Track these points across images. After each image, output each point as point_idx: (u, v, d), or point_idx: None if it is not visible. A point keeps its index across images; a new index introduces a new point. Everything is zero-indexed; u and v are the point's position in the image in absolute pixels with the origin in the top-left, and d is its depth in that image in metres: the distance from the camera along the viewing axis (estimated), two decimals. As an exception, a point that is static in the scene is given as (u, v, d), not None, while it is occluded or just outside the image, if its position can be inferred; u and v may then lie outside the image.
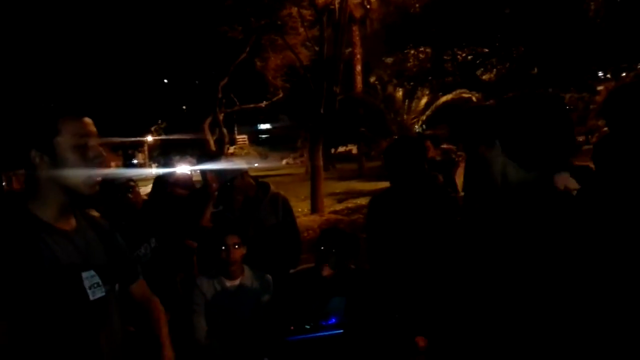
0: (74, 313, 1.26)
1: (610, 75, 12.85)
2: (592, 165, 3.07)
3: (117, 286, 1.45)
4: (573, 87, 13.82)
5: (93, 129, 1.34)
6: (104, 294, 1.34)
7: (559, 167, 1.35)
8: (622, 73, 11.62)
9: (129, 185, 3.15)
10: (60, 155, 1.27)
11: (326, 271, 2.47)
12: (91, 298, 1.30)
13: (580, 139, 23.00)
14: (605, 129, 2.52)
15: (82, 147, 1.30)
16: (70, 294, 1.26)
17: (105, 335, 1.34)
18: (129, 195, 3.13)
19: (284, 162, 41.55)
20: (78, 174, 1.29)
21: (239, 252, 2.70)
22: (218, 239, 2.71)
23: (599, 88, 12.95)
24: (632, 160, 1.86)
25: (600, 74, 13.45)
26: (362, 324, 2.33)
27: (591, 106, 18.66)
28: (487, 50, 13.67)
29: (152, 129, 27.22)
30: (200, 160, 4.12)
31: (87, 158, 1.30)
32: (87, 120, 1.34)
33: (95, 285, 1.32)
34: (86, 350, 1.29)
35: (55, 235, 1.28)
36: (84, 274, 1.30)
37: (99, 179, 1.34)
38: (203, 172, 4.04)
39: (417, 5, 13.73)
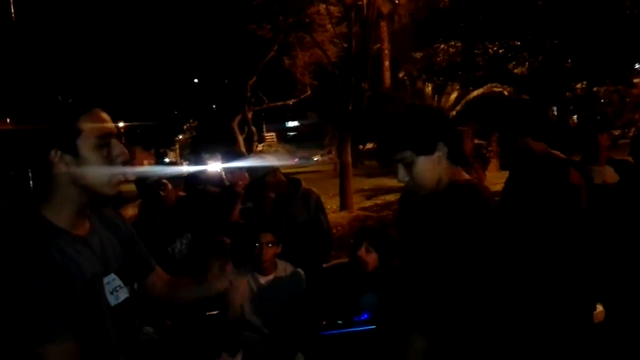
0: (97, 322, 1.19)
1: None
2: (631, 160, 3.01)
3: (135, 285, 1.39)
4: (608, 80, 13.40)
5: (112, 125, 1.27)
6: (127, 295, 1.29)
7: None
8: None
9: (161, 183, 3.23)
10: (83, 155, 1.19)
11: (363, 257, 2.47)
12: (112, 304, 1.24)
13: (616, 132, 22.29)
14: None
15: (106, 146, 1.23)
16: (94, 302, 1.19)
17: (123, 342, 1.27)
18: (161, 192, 3.21)
19: (315, 158, 41.60)
20: (101, 174, 1.22)
21: (272, 250, 2.74)
22: (252, 235, 2.76)
23: (635, 81, 12.53)
24: None
25: (637, 66, 13.00)
26: (393, 320, 2.35)
27: (627, 99, 18.06)
28: (519, 43, 13.35)
29: (184, 127, 27.69)
30: (225, 159, 4.18)
31: (110, 157, 1.23)
32: (107, 116, 1.26)
33: (118, 288, 1.26)
34: (108, 355, 1.22)
35: (74, 243, 1.20)
36: (106, 279, 1.24)
37: (122, 178, 1.27)
38: (228, 170, 4.11)
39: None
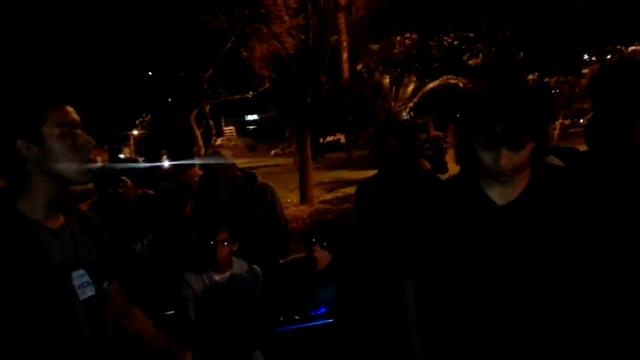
0: (64, 314, 1.22)
1: (595, 58, 12.91)
2: (578, 147, 3.09)
3: (106, 284, 1.40)
4: (559, 71, 13.87)
5: (77, 117, 1.31)
6: (93, 293, 1.30)
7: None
8: (606, 55, 11.68)
9: (120, 179, 3.10)
10: (48, 145, 1.22)
11: (318, 254, 2.42)
12: (81, 298, 1.26)
13: (567, 122, 23.18)
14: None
15: (71, 135, 1.26)
16: (60, 294, 1.22)
17: (96, 335, 1.31)
18: (120, 190, 3.08)
19: (272, 152, 41.40)
20: (68, 162, 1.25)
21: (227, 248, 2.67)
22: (207, 233, 2.67)
23: (584, 71, 13.01)
24: (615, 138, 1.86)
25: (586, 57, 13.50)
26: (352, 312, 2.32)
27: (576, 89, 18.76)
28: (472, 35, 13.62)
29: (137, 122, 26.96)
30: (174, 156, 4.09)
31: (76, 145, 1.27)
32: (70, 108, 1.30)
33: (85, 284, 1.29)
34: (76, 350, 1.25)
35: (46, 234, 1.23)
36: (74, 274, 1.27)
37: (91, 166, 1.30)
38: (181, 166, 4.01)
39: (402, -10, 13.65)
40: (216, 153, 3.29)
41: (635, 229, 1.72)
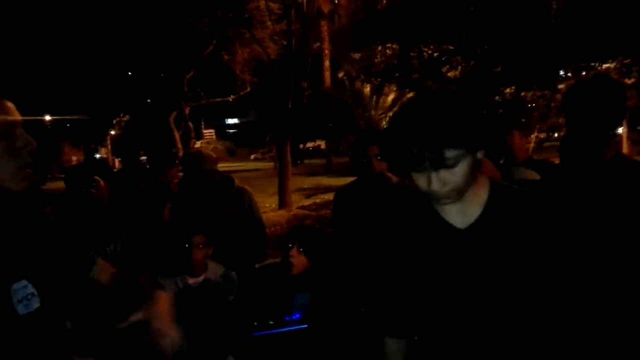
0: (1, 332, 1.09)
1: (571, 74, 13.24)
2: (551, 160, 3.16)
3: (46, 292, 1.25)
4: (535, 85, 14.18)
5: (17, 114, 1.16)
6: (39, 304, 1.17)
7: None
8: (582, 72, 11.99)
9: (93, 179, 3.04)
10: None
11: (294, 259, 2.42)
12: (22, 312, 1.12)
13: (542, 135, 23.68)
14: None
15: (7, 136, 1.12)
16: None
17: (42, 348, 1.18)
18: (93, 190, 3.02)
19: (252, 157, 41.24)
20: (6, 166, 1.11)
21: (202, 252, 2.64)
22: (182, 236, 2.65)
23: (560, 86, 13.33)
24: (588, 153, 1.91)
25: (562, 72, 13.83)
26: (327, 319, 2.32)
27: (552, 104, 19.19)
28: (452, 47, 13.84)
29: (114, 122, 26.56)
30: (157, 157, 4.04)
31: (14, 148, 1.13)
32: (10, 104, 1.15)
33: (30, 297, 1.14)
34: None
35: None
36: (14, 286, 1.12)
37: (30, 170, 1.16)
38: (162, 167, 3.97)
39: (384, 1, 13.80)
40: (199, 154, 3.26)
41: (603, 247, 1.76)
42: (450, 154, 1.14)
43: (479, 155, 1.21)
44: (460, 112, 1.15)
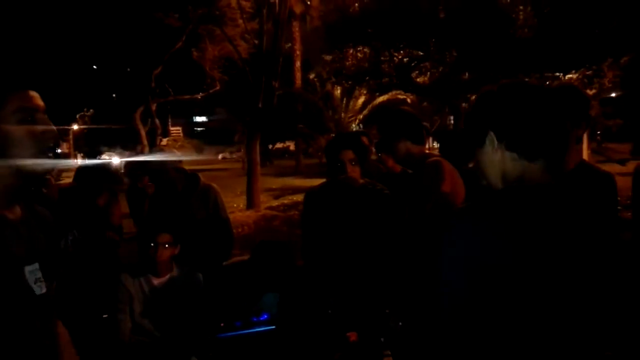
0: (19, 308, 1.16)
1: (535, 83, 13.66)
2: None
3: (55, 283, 1.32)
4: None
5: (41, 102, 1.24)
6: (45, 290, 1.23)
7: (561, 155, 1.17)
8: (546, 82, 12.37)
9: (44, 178, 2.95)
10: (5, 129, 1.15)
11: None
12: (37, 293, 1.19)
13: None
14: None
15: (30, 121, 1.19)
16: (15, 287, 1.15)
17: (49, 332, 1.25)
18: (44, 190, 2.94)
19: (220, 156, 40.81)
20: (25, 150, 1.18)
21: (168, 251, 2.59)
22: (148, 235, 2.59)
23: (524, 95, 13.70)
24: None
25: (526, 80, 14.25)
26: (295, 319, 2.31)
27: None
28: (422, 53, 14.06)
29: (78, 116, 25.85)
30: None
31: (35, 132, 1.19)
32: (34, 93, 1.23)
33: (39, 280, 1.21)
34: (31, 346, 1.19)
35: (3, 224, 1.17)
36: (28, 268, 1.19)
37: (51, 154, 1.22)
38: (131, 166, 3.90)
39: (356, 5, 13.90)
40: (162, 151, 3.20)
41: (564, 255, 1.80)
42: None
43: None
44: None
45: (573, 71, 11.89)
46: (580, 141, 2.10)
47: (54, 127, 1.25)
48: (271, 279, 2.42)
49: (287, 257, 2.55)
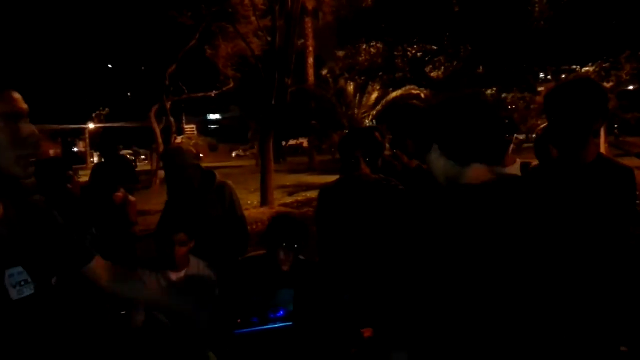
0: None
1: (551, 76, 13.44)
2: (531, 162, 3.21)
3: (54, 280, 1.31)
4: (515, 87, 14.39)
5: (25, 105, 1.22)
6: (32, 291, 1.20)
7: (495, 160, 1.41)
8: (562, 75, 12.20)
9: (68, 175, 3.00)
10: None
11: (283, 256, 2.42)
12: (14, 297, 1.16)
13: (521, 137, 24.04)
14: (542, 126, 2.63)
15: (12, 125, 1.18)
16: None
17: (34, 337, 1.22)
18: (69, 185, 2.98)
19: (233, 154, 41.00)
20: (8, 153, 1.17)
21: (184, 249, 2.61)
22: (164, 234, 2.60)
23: (540, 89, 13.56)
24: (569, 155, 1.93)
25: (542, 75, 14.05)
26: (311, 316, 2.32)
27: (532, 106, 19.50)
28: (436, 48, 13.96)
29: (94, 115, 26.16)
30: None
31: (19, 137, 1.18)
32: (17, 95, 1.21)
33: (23, 283, 1.19)
34: (10, 354, 1.17)
35: None
36: (9, 271, 1.17)
37: (34, 159, 1.22)
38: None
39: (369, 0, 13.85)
40: (179, 149, 3.22)
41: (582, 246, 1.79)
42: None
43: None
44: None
45: (590, 64, 11.71)
46: (598, 135, 2.07)
47: (37, 132, 1.23)
48: (288, 238, 2.43)
49: (303, 226, 2.56)
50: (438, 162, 1.41)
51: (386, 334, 1.55)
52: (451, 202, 1.36)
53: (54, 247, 1.34)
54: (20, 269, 1.19)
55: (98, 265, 1.50)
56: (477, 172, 1.36)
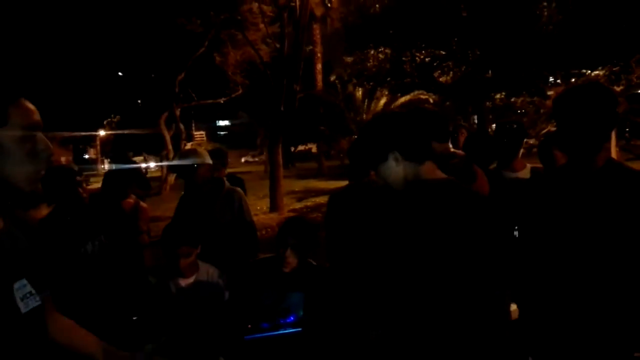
0: (5, 329, 1.11)
1: (560, 80, 13.36)
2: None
3: (47, 292, 1.29)
4: (525, 91, 14.30)
5: (39, 117, 1.19)
6: (39, 302, 1.19)
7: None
8: (571, 79, 12.11)
9: (78, 180, 3.03)
10: (5, 146, 1.11)
11: (289, 258, 2.42)
12: (23, 310, 1.14)
13: (531, 141, 23.86)
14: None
15: (30, 139, 1.15)
16: (1, 308, 1.10)
17: (39, 348, 1.21)
18: (80, 189, 3.00)
19: (242, 160, 41.14)
20: (22, 168, 1.14)
21: (189, 259, 2.61)
22: (169, 244, 2.61)
23: (549, 93, 13.46)
24: (579, 159, 1.92)
25: (551, 79, 13.95)
26: (321, 322, 2.32)
27: (541, 110, 19.36)
28: (444, 52, 13.93)
29: (105, 122, 26.41)
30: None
31: (34, 151, 1.15)
32: (32, 106, 1.18)
33: (29, 295, 1.17)
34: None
35: None
36: (16, 285, 1.15)
37: (42, 174, 1.19)
38: None
39: (377, 5, 13.86)
40: (193, 151, 3.24)
41: (595, 251, 1.78)
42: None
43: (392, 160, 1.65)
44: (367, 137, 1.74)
45: (600, 67, 11.62)
46: (609, 139, 2.05)
47: (51, 147, 1.21)
48: (296, 238, 2.44)
49: (311, 228, 2.57)
50: (397, 167, 1.64)
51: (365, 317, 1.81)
52: (422, 196, 1.61)
53: (44, 261, 1.33)
54: (24, 281, 1.18)
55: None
56: (430, 167, 1.66)
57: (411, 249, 1.58)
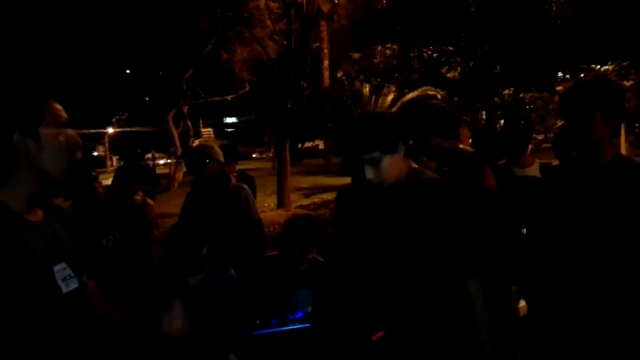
0: (48, 308, 1.23)
1: (569, 75, 13.26)
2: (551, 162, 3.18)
3: (85, 277, 1.39)
4: (533, 87, 14.20)
5: (66, 115, 1.33)
6: (77, 285, 1.31)
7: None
8: (580, 74, 12.01)
9: (93, 176, 3.08)
10: (44, 140, 1.24)
11: (295, 255, 2.44)
12: (64, 291, 1.27)
13: (540, 137, 23.72)
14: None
15: (63, 134, 1.29)
16: (44, 288, 1.22)
17: (79, 328, 1.32)
18: (96, 184, 3.06)
19: (253, 155, 41.27)
20: (59, 160, 1.27)
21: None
22: (174, 241, 2.62)
23: (558, 88, 13.36)
24: (587, 155, 1.91)
25: (560, 74, 13.85)
26: (329, 318, 2.33)
27: (550, 105, 19.23)
28: (452, 48, 13.86)
29: (113, 120, 26.57)
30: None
31: (67, 144, 1.29)
32: (59, 105, 1.32)
33: (68, 277, 1.29)
34: (60, 343, 1.26)
35: (27, 227, 1.24)
36: (56, 267, 1.27)
37: (74, 167, 1.32)
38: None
39: (384, 1, 13.81)
40: (208, 146, 3.26)
41: (602, 246, 1.77)
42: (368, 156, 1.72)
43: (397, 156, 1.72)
44: (372, 130, 1.72)
45: (609, 62, 11.51)
46: (617, 134, 2.04)
47: (80, 140, 1.34)
48: (301, 236, 2.46)
49: (317, 225, 2.59)
50: (399, 162, 1.71)
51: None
52: (421, 193, 1.73)
53: (79, 248, 1.42)
54: (64, 264, 1.29)
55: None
56: (427, 165, 1.85)
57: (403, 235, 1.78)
